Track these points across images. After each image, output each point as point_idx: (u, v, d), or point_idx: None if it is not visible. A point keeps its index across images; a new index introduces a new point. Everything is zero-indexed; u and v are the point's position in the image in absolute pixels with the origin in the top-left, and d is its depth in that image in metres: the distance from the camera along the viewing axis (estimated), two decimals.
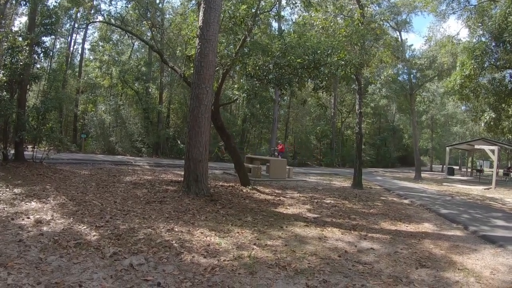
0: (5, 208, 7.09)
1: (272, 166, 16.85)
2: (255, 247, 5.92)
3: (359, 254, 5.87)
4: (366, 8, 15.83)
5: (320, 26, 13.56)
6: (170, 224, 6.93)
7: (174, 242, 5.87)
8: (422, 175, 27.41)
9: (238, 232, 6.76)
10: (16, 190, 8.69)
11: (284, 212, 9.15)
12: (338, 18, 14.81)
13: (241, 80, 14.70)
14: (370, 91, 32.78)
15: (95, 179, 11.75)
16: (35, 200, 7.97)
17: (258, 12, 12.09)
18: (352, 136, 40.74)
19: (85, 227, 6.30)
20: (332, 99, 38.78)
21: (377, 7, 21.05)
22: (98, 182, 11.09)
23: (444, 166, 33.70)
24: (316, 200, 11.25)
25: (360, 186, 15.50)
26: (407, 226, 8.36)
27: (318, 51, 10.58)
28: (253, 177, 15.01)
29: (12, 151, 12.84)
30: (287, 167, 17.96)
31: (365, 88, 29.07)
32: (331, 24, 13.46)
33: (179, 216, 7.72)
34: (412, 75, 29.56)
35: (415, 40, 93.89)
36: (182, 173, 11.13)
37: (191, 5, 22.55)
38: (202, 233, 6.54)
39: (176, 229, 6.63)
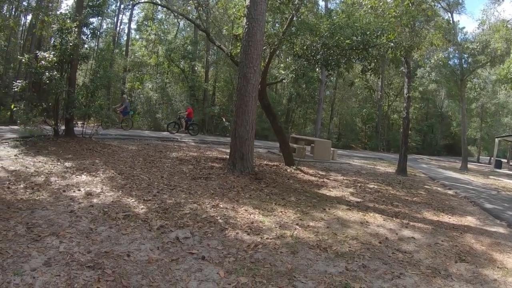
0: (57, 181, 7.36)
1: (316, 147, 16.65)
2: (297, 227, 5.87)
3: (399, 242, 5.70)
4: None
5: (369, 6, 13.05)
6: (215, 200, 6.98)
7: (218, 218, 5.92)
8: (469, 166, 26.25)
9: (281, 212, 6.73)
10: (67, 164, 8.98)
11: (327, 194, 9.02)
12: None
13: (287, 60, 14.45)
14: (419, 74, 31.49)
15: (142, 154, 11.96)
16: (85, 173, 8.21)
17: None
18: (398, 120, 39.52)
19: (133, 200, 6.46)
20: (379, 82, 37.63)
21: None
22: (145, 157, 11.28)
23: (492, 158, 32.14)
24: (359, 184, 11.03)
25: (405, 173, 15.07)
26: (449, 218, 8.03)
27: (368, 32, 10.20)
28: (298, 157, 14.87)
29: (63, 127, 13.25)
30: (332, 149, 17.70)
31: (414, 71, 28.03)
32: (380, 4, 12.91)
33: (224, 193, 7.76)
34: (463, 60, 28.11)
35: (467, 22, 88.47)
36: (227, 150, 11.19)
37: None
38: (246, 210, 6.56)
39: (221, 206, 6.67)
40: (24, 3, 22.27)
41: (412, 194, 10.51)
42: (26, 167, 8.31)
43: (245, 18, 10.13)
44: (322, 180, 10.96)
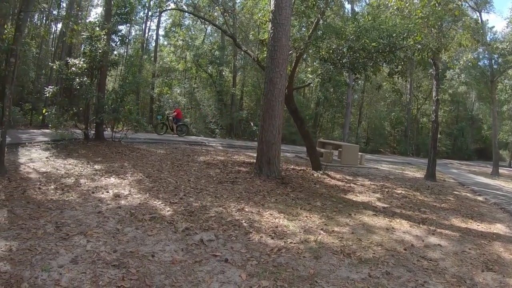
0: (86, 183, 7.56)
1: (344, 152, 16.46)
2: (322, 232, 5.81)
3: (425, 250, 5.55)
4: None
5: (395, 7, 12.85)
6: (240, 204, 7.00)
7: (243, 221, 5.94)
8: (500, 171, 25.28)
9: (306, 216, 6.68)
10: (96, 167, 9.21)
11: (354, 199, 8.90)
12: None
13: (315, 64, 14.37)
14: (448, 76, 30.71)
15: (170, 158, 12.10)
16: (114, 176, 8.40)
17: None
18: (427, 124, 38.49)
19: (160, 203, 6.57)
20: (408, 85, 36.90)
21: None
22: (173, 161, 11.42)
23: None
24: (386, 190, 10.83)
25: (433, 178, 14.68)
26: (478, 225, 7.76)
27: (394, 34, 10.03)
28: (325, 161, 14.73)
29: (93, 131, 13.62)
30: (359, 153, 17.46)
31: (443, 73, 27.35)
32: (407, 5, 12.69)
33: (249, 196, 7.77)
34: (493, 61, 27.23)
35: (496, 21, 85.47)
36: (254, 154, 11.17)
37: None
38: (271, 214, 6.55)
39: (246, 209, 6.69)
40: (54, 12, 22.93)
41: (440, 200, 10.24)
42: (57, 169, 8.57)
43: (270, 23, 10.15)
44: (348, 185, 10.83)
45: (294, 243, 5.15)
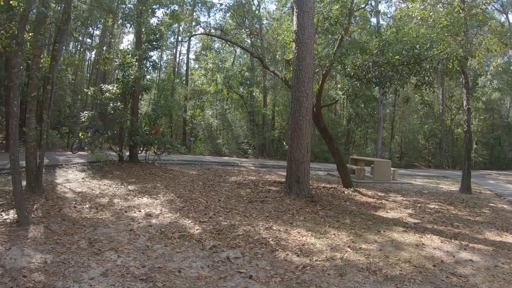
0: (120, 202, 7.87)
1: (376, 168, 16.26)
2: (349, 249, 5.77)
3: (455, 265, 5.40)
4: None
5: (419, 17, 12.72)
6: (269, 223, 7.05)
7: (270, 239, 5.98)
8: None
9: (334, 234, 6.64)
10: (130, 187, 9.53)
11: (384, 216, 8.77)
12: (438, 6, 13.65)
13: (344, 80, 14.39)
14: (480, 83, 29.88)
15: (202, 178, 12.30)
16: (146, 196, 8.67)
17: (354, 9, 11.74)
18: (462, 134, 37.30)
19: (189, 222, 6.73)
20: (439, 95, 36.02)
21: None
22: (204, 182, 11.60)
23: None
24: (419, 205, 10.59)
25: (469, 191, 14.23)
26: None
27: (417, 46, 9.97)
28: (357, 178, 14.62)
29: (127, 153, 14.11)
30: (392, 168, 17.19)
31: (474, 80, 26.65)
32: (430, 14, 12.54)
33: (278, 215, 7.81)
34: None
35: None
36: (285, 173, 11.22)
37: (286, 9, 22.76)
38: (299, 232, 6.56)
39: (274, 228, 6.73)
40: (88, 40, 24.00)
41: (475, 213, 9.93)
42: (92, 189, 8.93)
43: (294, 43, 10.29)
44: (380, 201, 10.69)
45: (320, 261, 5.15)
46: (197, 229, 6.26)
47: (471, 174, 14.50)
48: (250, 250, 5.38)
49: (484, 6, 14.06)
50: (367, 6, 12.57)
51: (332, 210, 8.73)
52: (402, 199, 11.34)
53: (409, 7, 12.72)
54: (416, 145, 36.36)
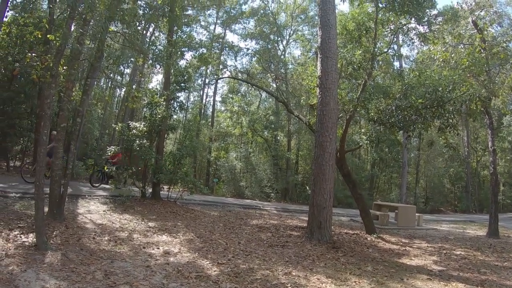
0: (139, 238, 7.82)
1: (400, 213, 15.85)
2: None
3: None
4: (485, 32, 14.25)
5: (441, 59, 12.67)
6: (288, 268, 6.87)
7: (289, 285, 5.81)
8: None
9: (355, 282, 6.40)
10: (150, 224, 9.50)
11: (408, 263, 8.45)
12: (459, 47, 13.58)
13: (368, 125, 14.32)
14: (505, 123, 29.21)
15: (223, 220, 12.21)
16: (166, 234, 8.61)
17: (376, 54, 11.82)
18: (489, 177, 36.09)
19: (207, 262, 6.61)
20: (464, 137, 35.28)
21: (498, 28, 18.67)
22: (225, 223, 11.51)
23: None
24: (444, 251, 10.18)
25: (496, 235, 13.63)
26: None
27: (440, 88, 9.93)
28: (380, 224, 14.26)
29: (150, 190, 14.12)
30: (417, 214, 16.74)
31: (499, 120, 26.11)
32: (452, 55, 12.49)
33: (298, 261, 7.61)
34: None
35: None
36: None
37: (310, 54, 23.08)
38: (318, 279, 6.36)
39: (294, 273, 6.54)
40: (119, 77, 24.80)
41: (503, 259, 9.45)
42: (112, 222, 8.95)
43: (318, 88, 10.38)
44: (404, 248, 10.32)
45: None
46: (214, 270, 6.14)
47: (498, 217, 14.00)
48: None
49: (505, 44, 13.91)
50: (389, 50, 12.62)
51: (354, 257, 8.45)
52: (427, 246, 10.95)
53: (431, 49, 12.75)
54: (441, 190, 35.24)
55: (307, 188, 26.56)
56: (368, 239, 11.29)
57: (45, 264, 5.25)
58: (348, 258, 8.28)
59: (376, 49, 11.75)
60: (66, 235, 7.09)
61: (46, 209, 7.56)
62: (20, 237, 6.41)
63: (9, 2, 13.92)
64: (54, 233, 7.09)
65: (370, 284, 6.33)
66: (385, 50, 12.52)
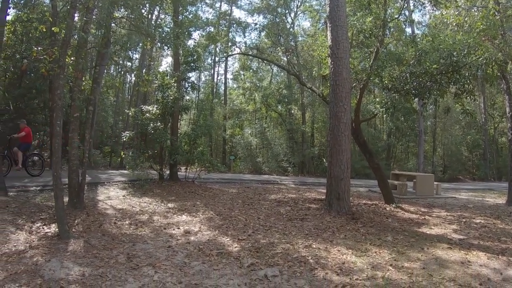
0: (159, 219, 7.97)
1: (418, 183, 15.74)
2: (390, 268, 5.53)
3: (502, 283, 5.03)
4: None
5: (454, 24, 12.28)
6: (308, 241, 6.90)
7: (310, 258, 5.84)
8: None
9: (375, 252, 6.40)
10: (169, 205, 9.66)
11: (428, 232, 8.38)
12: (472, 11, 13.10)
13: (382, 93, 14.10)
14: None
15: (242, 196, 12.29)
16: (185, 213, 8.73)
17: (387, 20, 11.53)
18: (507, 143, 35.36)
19: (228, 239, 6.69)
20: (481, 103, 34.42)
21: None
22: (244, 200, 11.58)
23: None
24: (464, 220, 10.08)
25: None
26: None
27: (454, 53, 9.62)
28: (398, 194, 14.18)
29: (167, 172, 14.32)
30: (435, 183, 16.58)
31: None
32: (466, 19, 12.09)
33: (318, 233, 7.64)
34: None
35: None
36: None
37: (320, 25, 22.69)
38: (339, 251, 6.38)
39: (314, 246, 6.58)
40: (128, 63, 24.83)
41: None
42: (132, 206, 9.11)
43: (329, 58, 10.21)
44: (423, 217, 10.26)
45: (360, 280, 4.96)
46: (235, 247, 6.21)
47: None
48: (288, 269, 5.25)
49: None
50: (400, 16, 12.24)
51: (373, 228, 8.43)
52: (446, 214, 10.88)
53: (443, 13, 12.37)
54: (459, 157, 34.73)
55: (324, 160, 26.46)
56: (387, 209, 11.25)
57: (68, 252, 5.39)
58: (367, 228, 8.28)
59: (386, 16, 11.45)
60: (87, 223, 7.25)
61: (66, 199, 7.72)
62: (43, 228, 6.58)
63: (10, 0, 13.95)
64: (76, 222, 7.25)
65: (390, 254, 6.32)
66: (396, 16, 12.16)
